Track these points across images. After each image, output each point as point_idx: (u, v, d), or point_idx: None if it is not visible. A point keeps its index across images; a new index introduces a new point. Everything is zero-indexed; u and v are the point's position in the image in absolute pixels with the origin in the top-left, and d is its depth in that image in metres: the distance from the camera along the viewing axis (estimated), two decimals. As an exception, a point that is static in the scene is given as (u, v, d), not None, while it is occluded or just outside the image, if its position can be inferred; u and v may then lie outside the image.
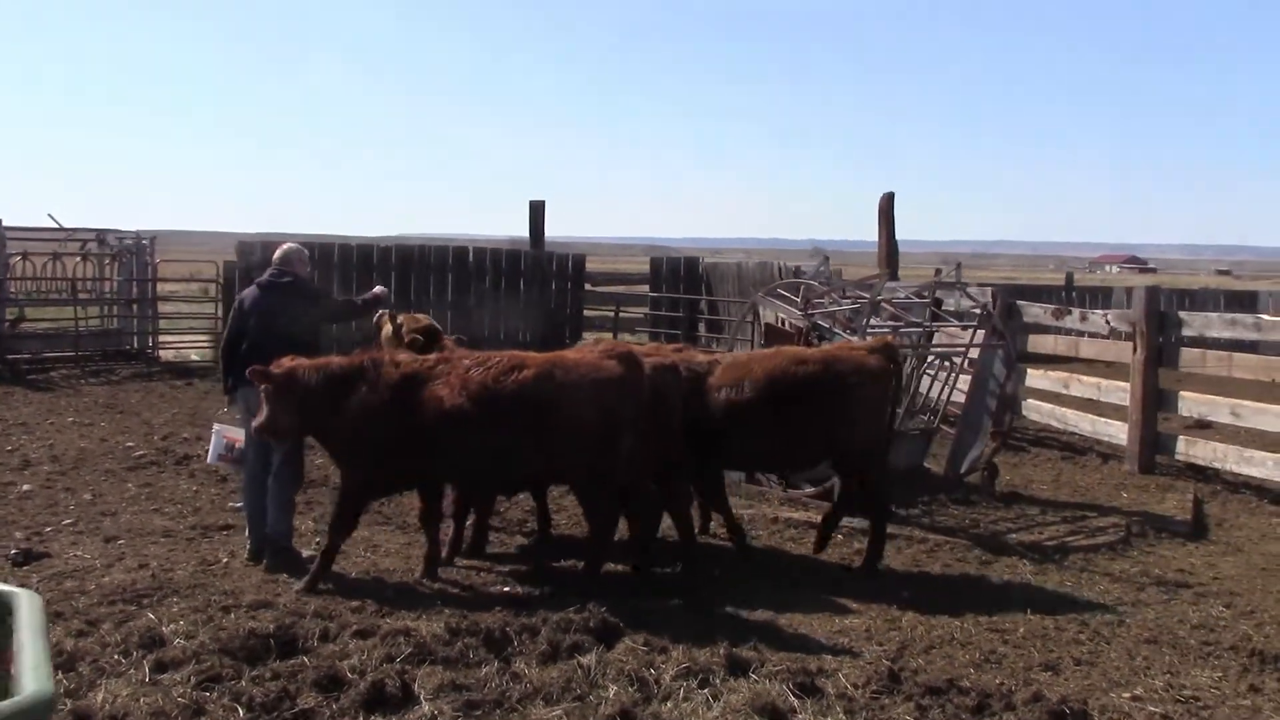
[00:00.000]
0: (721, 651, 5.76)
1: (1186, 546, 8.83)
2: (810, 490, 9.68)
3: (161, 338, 20.37)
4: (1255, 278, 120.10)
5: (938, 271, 20.86)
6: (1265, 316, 12.25)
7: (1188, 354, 11.15)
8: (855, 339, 9.11)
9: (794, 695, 5.28)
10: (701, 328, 21.41)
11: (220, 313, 20.31)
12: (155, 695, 5.11)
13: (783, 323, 10.21)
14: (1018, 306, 12.86)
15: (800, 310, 9.80)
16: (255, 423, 7.54)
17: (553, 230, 22.24)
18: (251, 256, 20.28)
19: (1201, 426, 12.28)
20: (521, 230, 22.59)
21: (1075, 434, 12.74)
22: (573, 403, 6.82)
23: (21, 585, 6.65)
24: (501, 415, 6.84)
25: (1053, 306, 12.94)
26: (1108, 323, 11.92)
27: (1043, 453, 12.47)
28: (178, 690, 5.20)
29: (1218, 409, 10.77)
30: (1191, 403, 11.09)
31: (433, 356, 7.48)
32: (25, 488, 10.18)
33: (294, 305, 8.15)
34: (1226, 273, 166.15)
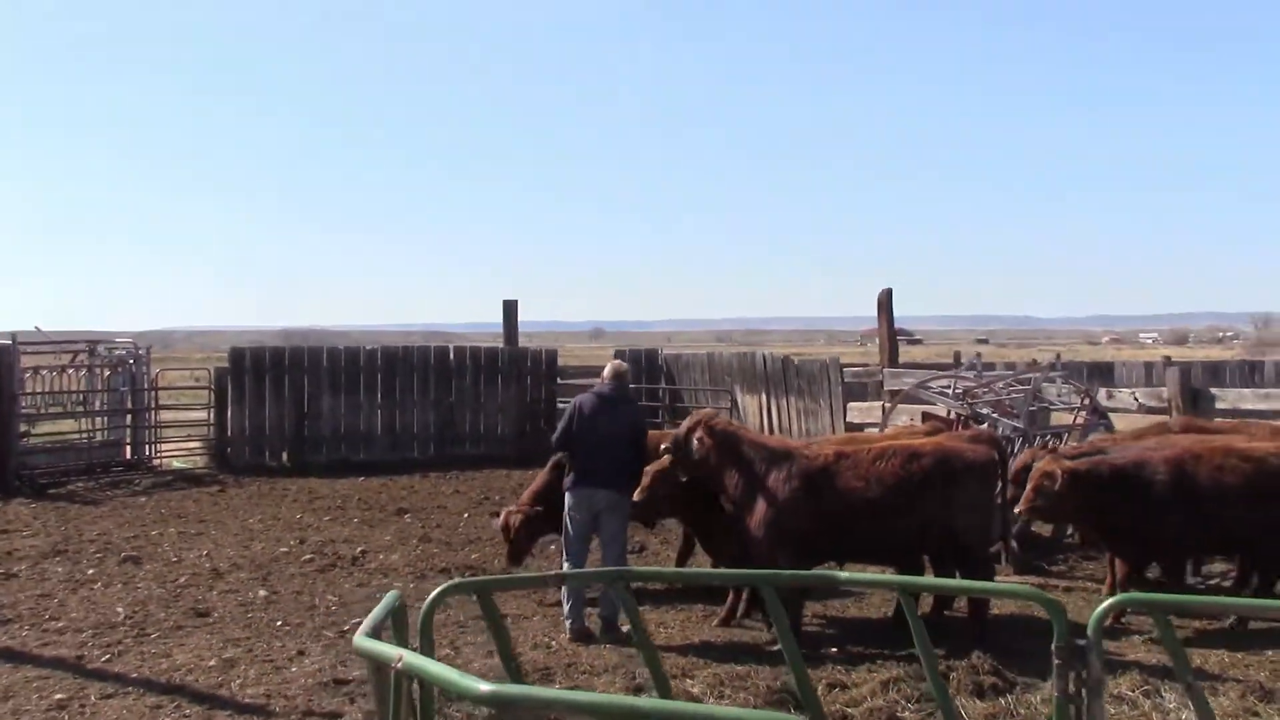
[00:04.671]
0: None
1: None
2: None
3: (160, 446, 20.42)
4: (1021, 345, 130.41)
5: (1034, 362, 22.73)
6: (1296, 390, 14.63)
7: (1221, 425, 13.30)
8: (1019, 423, 10.96)
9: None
10: (660, 414, 22.87)
11: (213, 419, 20.60)
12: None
13: (946, 411, 11.96)
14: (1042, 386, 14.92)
15: (959, 399, 11.56)
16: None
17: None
18: (242, 362, 20.76)
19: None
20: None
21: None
22: (971, 482, 8.36)
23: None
24: (912, 498, 8.31)
25: (1073, 385, 15.01)
26: (1135, 399, 14.08)
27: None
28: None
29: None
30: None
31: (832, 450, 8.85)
32: (262, 593, 10.82)
33: (628, 417, 9.49)
34: (985, 341, 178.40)
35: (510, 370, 22.60)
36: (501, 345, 23.29)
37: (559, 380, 23.15)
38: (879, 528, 8.42)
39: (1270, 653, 8.22)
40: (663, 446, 9.20)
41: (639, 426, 9.62)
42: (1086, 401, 12.67)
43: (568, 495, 9.42)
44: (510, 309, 23.16)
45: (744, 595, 9.58)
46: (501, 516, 10.58)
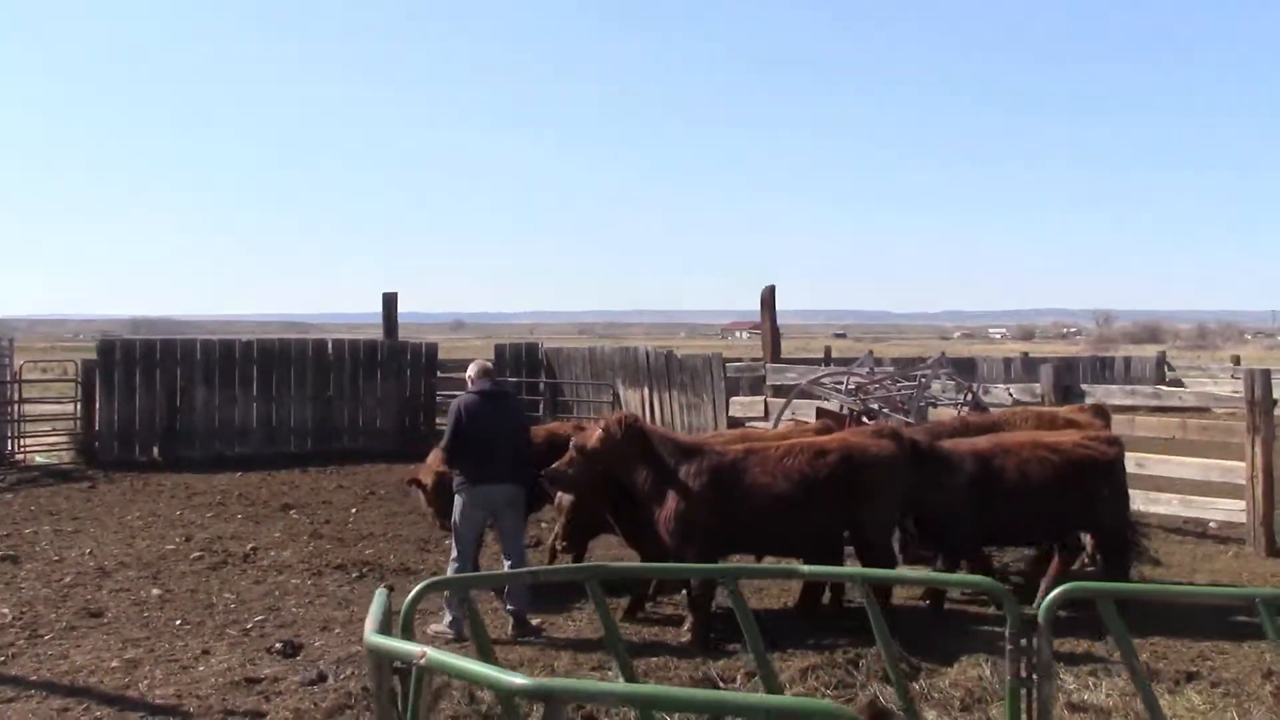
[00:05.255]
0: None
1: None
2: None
3: (23, 441, 19.68)
4: (877, 339, 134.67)
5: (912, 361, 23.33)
6: (1162, 387, 15.46)
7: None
8: (909, 419, 11.37)
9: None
10: (541, 408, 22.91)
11: (79, 413, 19.96)
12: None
13: (840, 407, 12.31)
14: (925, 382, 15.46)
15: (851, 396, 11.93)
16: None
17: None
18: (112, 354, 20.12)
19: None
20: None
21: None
22: (876, 476, 8.65)
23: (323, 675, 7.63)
24: (818, 492, 8.55)
25: (956, 381, 15.60)
26: (1010, 394, 14.69)
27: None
28: None
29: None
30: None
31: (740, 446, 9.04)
32: (155, 592, 10.57)
33: (513, 411, 9.68)
34: (842, 335, 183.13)
35: (390, 364, 22.41)
36: (380, 339, 23.08)
37: (439, 374, 23.02)
38: (786, 522, 8.64)
39: (1154, 637, 8.73)
40: (573, 442, 9.27)
41: (523, 422, 9.81)
42: (969, 397, 13.20)
43: (460, 496, 9.36)
44: (390, 302, 22.95)
45: (652, 587, 9.77)
46: (432, 477, 10.51)
